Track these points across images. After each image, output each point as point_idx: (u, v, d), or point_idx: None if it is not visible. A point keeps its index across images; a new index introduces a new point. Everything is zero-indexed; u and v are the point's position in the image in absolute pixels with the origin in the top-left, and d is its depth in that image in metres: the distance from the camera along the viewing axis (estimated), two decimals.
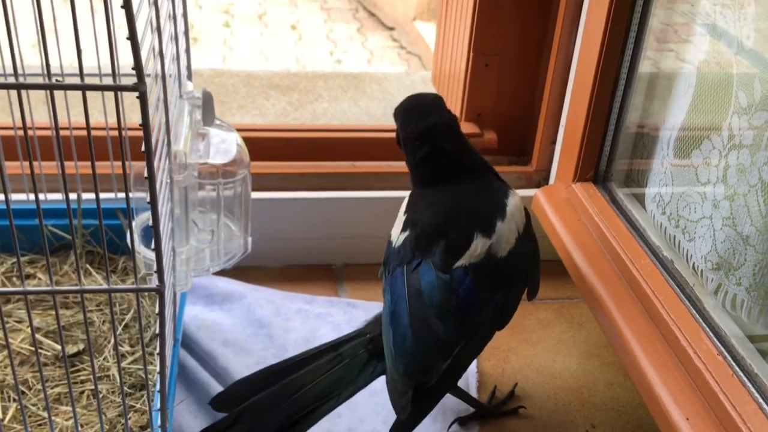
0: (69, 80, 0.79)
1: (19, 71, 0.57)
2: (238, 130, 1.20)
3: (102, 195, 0.61)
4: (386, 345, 0.79)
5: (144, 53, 0.56)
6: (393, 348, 0.77)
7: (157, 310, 0.64)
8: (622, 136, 1.02)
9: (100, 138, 1.00)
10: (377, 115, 1.48)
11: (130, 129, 0.82)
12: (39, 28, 0.54)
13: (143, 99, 0.55)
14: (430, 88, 1.60)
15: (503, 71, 1.21)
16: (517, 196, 0.86)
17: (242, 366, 0.96)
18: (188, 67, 0.90)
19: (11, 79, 0.59)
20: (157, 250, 0.62)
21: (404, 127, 0.88)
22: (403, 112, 0.89)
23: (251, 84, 1.54)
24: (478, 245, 0.80)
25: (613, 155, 1.03)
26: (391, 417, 0.91)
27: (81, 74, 0.55)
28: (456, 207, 0.84)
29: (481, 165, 0.89)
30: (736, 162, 0.78)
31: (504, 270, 0.81)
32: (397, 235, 0.84)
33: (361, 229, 1.17)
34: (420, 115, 0.87)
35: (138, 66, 0.55)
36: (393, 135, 0.94)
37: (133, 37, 0.54)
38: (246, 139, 1.19)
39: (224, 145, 0.80)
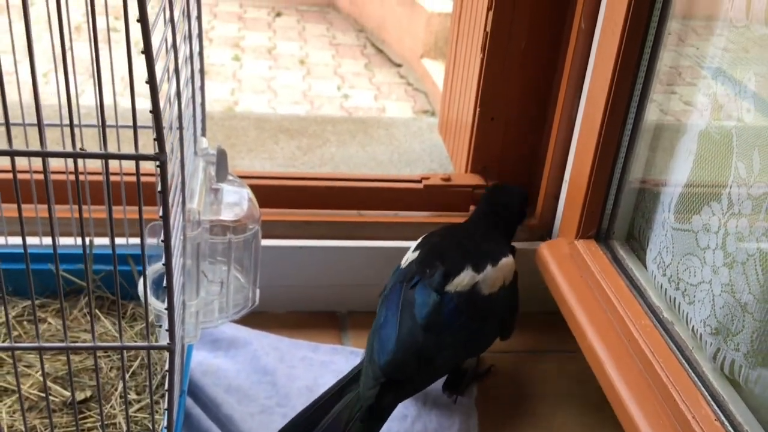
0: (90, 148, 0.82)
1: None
2: (247, 177, 1.23)
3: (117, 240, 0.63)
4: (368, 345, 0.92)
5: (165, 123, 0.58)
6: (376, 346, 0.90)
7: (165, 361, 0.66)
8: (625, 195, 1.04)
9: (114, 183, 1.03)
10: (384, 161, 1.50)
11: (143, 174, 0.85)
12: (67, 101, 0.56)
13: (163, 168, 0.57)
14: (436, 136, 1.63)
15: (509, 125, 1.23)
16: (511, 258, 1.03)
17: (246, 414, 0.97)
18: (203, 122, 0.92)
19: (36, 143, 0.61)
20: (170, 310, 0.64)
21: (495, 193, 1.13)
22: (498, 187, 1.17)
23: (261, 127, 1.57)
24: (467, 277, 0.96)
25: (615, 213, 1.05)
26: None
27: (104, 144, 0.57)
28: (461, 244, 1.01)
29: (509, 236, 1.10)
30: (735, 230, 0.79)
31: (483, 306, 0.96)
32: (408, 257, 1.01)
33: (366, 278, 1.18)
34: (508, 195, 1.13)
35: (159, 136, 0.57)
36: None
37: (156, 109, 0.56)
38: (254, 187, 1.21)
39: (236, 201, 0.82)
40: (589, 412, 1.06)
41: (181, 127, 0.72)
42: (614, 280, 0.99)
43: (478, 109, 1.23)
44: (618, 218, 1.05)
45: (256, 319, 1.14)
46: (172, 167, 0.65)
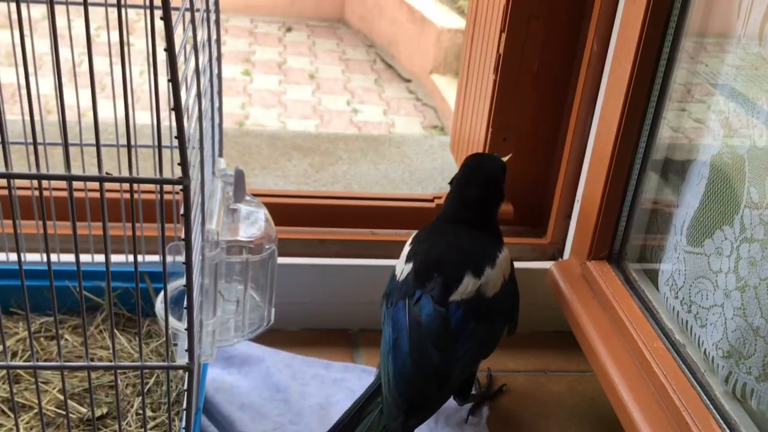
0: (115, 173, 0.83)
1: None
2: (261, 195, 1.24)
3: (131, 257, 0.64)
4: (384, 371, 0.90)
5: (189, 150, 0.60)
6: (392, 373, 0.88)
7: (180, 378, 0.67)
8: (637, 216, 1.05)
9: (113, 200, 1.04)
10: (395, 179, 1.52)
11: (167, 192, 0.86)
12: (94, 124, 0.57)
13: (186, 193, 0.59)
14: (448, 154, 1.64)
15: (520, 145, 1.24)
16: (506, 251, 1.02)
17: (259, 431, 0.98)
18: (220, 142, 0.93)
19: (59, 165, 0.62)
20: (190, 330, 0.65)
21: (468, 166, 1.06)
22: (473, 156, 1.09)
23: (274, 145, 1.59)
24: (469, 284, 0.94)
25: (627, 235, 1.06)
26: None
27: (129, 168, 0.58)
28: (454, 247, 0.99)
29: (493, 224, 1.05)
30: (748, 255, 0.80)
31: (490, 308, 0.95)
32: (401, 267, 0.98)
33: (378, 296, 1.18)
34: (483, 164, 1.06)
35: (184, 161, 0.58)
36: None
37: (181, 134, 0.57)
38: (268, 205, 1.22)
39: (253, 222, 0.83)
40: None
41: (202, 149, 0.73)
42: (626, 302, 0.99)
43: (490, 130, 1.24)
44: (630, 239, 1.06)
45: (269, 336, 1.15)
46: (193, 187, 0.66)
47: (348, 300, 1.20)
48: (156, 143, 0.60)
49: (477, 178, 1.03)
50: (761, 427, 0.80)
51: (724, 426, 0.80)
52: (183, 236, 0.61)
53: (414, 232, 1.24)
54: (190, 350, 0.65)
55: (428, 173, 1.55)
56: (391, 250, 1.22)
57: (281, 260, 1.16)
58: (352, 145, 1.64)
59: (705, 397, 0.84)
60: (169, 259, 0.84)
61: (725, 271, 0.83)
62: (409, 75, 4.21)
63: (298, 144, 1.61)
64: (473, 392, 1.09)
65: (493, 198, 1.03)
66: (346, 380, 1.11)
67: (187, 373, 0.69)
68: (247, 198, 0.85)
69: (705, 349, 0.87)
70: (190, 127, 0.67)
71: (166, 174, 0.61)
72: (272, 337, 1.16)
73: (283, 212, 1.21)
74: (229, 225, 0.82)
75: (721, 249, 0.84)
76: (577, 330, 1.04)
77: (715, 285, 0.85)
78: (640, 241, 1.05)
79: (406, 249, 1.01)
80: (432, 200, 1.26)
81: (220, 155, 0.94)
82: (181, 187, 0.59)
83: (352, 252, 1.21)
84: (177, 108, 0.56)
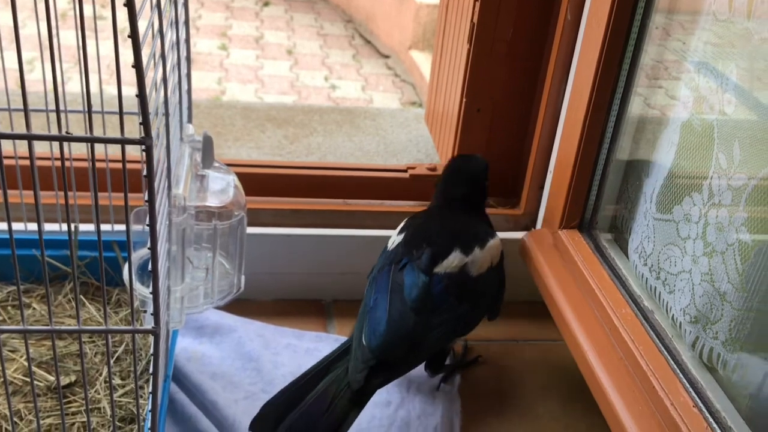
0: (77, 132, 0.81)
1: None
2: (234, 165, 1.23)
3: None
4: (357, 328, 0.91)
5: (151, 108, 0.59)
6: (366, 329, 0.90)
7: (149, 346, 0.66)
8: (608, 185, 1.05)
9: (99, 169, 1.03)
10: (370, 151, 1.51)
11: (129, 161, 0.85)
12: (53, 87, 0.56)
13: (149, 153, 0.58)
14: (423, 126, 1.64)
15: (494, 116, 1.24)
16: (498, 239, 1.02)
17: (230, 400, 0.98)
18: (189, 109, 0.92)
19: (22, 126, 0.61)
20: (155, 294, 0.64)
21: (457, 162, 1.10)
22: (460, 156, 1.17)
23: (248, 116, 1.57)
24: (455, 259, 0.95)
25: (599, 204, 1.06)
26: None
27: (90, 128, 0.57)
28: (447, 226, 1.01)
29: (483, 213, 1.08)
30: (715, 221, 0.81)
31: (472, 287, 0.96)
32: (393, 240, 1.01)
33: (351, 266, 1.19)
34: (466, 164, 1.10)
35: (145, 121, 0.57)
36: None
37: (141, 93, 0.56)
38: (241, 175, 1.21)
39: (222, 188, 0.82)
40: (571, 400, 1.08)
41: (167, 113, 0.72)
42: (597, 270, 1.00)
43: (464, 100, 1.23)
44: (601, 208, 1.06)
45: (241, 306, 1.15)
46: (158, 153, 0.65)
47: (321, 270, 1.20)
48: (119, 104, 0.59)
49: (460, 178, 1.06)
50: (727, 391, 0.81)
51: (691, 390, 0.81)
52: (146, 198, 0.60)
53: (387, 203, 1.25)
54: (156, 314, 0.65)
55: (403, 145, 1.54)
56: (365, 220, 1.22)
57: (254, 230, 1.16)
58: (327, 117, 1.63)
59: (672, 363, 0.85)
60: (138, 226, 0.83)
61: (693, 238, 0.84)
62: (388, 51, 4.18)
63: (272, 116, 1.60)
64: (448, 362, 1.10)
65: (476, 196, 1.06)
66: (319, 350, 1.11)
67: (153, 338, 0.68)
68: (216, 164, 0.84)
69: (673, 315, 0.88)
70: (154, 89, 0.66)
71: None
72: (245, 307, 1.15)
73: (256, 182, 1.20)
74: (197, 191, 0.81)
75: (690, 215, 0.85)
76: (548, 299, 1.04)
77: (683, 251, 0.86)
78: (611, 210, 1.06)
79: (401, 224, 1.04)
80: (406, 171, 1.26)
81: (189, 121, 0.93)
82: (143, 147, 0.58)
83: (326, 222, 1.20)
84: (137, 65, 0.55)
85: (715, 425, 0.77)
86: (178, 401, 0.96)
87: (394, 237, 1.01)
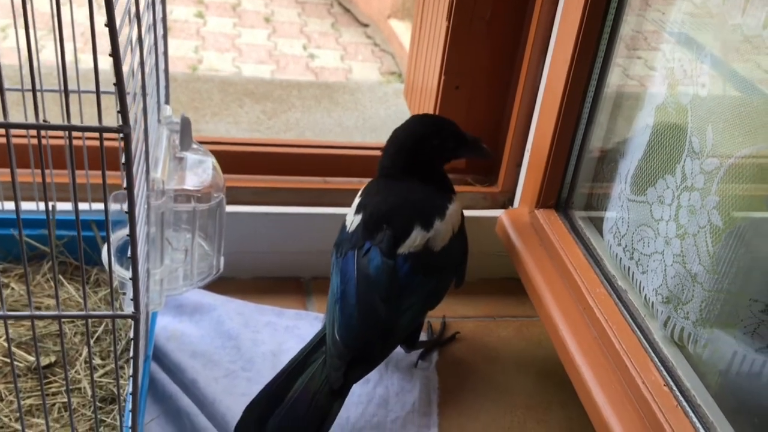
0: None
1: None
2: (212, 143, 1.23)
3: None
4: (329, 322, 0.91)
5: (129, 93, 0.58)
6: (339, 324, 0.89)
7: (129, 327, 0.67)
8: (585, 165, 1.06)
9: (77, 147, 1.02)
10: (349, 127, 1.51)
11: (107, 139, 0.84)
12: (29, 69, 0.56)
13: (127, 141, 0.58)
14: (402, 101, 1.64)
15: (473, 93, 1.24)
16: (457, 203, 1.01)
17: (210, 378, 0.99)
18: (167, 88, 0.92)
19: None
20: (135, 280, 0.64)
21: (415, 124, 1.06)
22: (419, 116, 1.10)
23: (226, 91, 1.56)
24: (418, 237, 0.94)
25: (575, 183, 1.08)
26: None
27: (67, 116, 0.57)
28: (404, 199, 0.98)
29: (440, 174, 1.05)
30: (688, 203, 0.82)
31: (438, 261, 0.95)
32: (351, 219, 0.98)
33: (330, 245, 1.19)
34: (432, 121, 1.08)
35: (123, 109, 0.57)
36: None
37: (119, 81, 0.56)
38: (220, 153, 1.21)
39: (200, 170, 0.82)
40: (545, 377, 1.10)
41: (144, 96, 0.72)
42: (572, 249, 1.01)
43: (442, 77, 1.23)
44: (577, 188, 1.07)
45: (221, 285, 1.15)
46: (136, 136, 0.65)
47: (300, 248, 1.20)
48: (96, 94, 0.59)
49: (401, 145, 1.03)
50: (697, 369, 0.83)
51: (662, 369, 0.83)
52: (125, 185, 0.60)
53: (366, 182, 1.25)
54: (136, 300, 0.65)
55: (382, 121, 1.54)
56: (344, 198, 1.22)
57: (233, 209, 1.16)
58: (306, 92, 1.62)
59: (644, 341, 0.87)
60: (116, 207, 0.83)
61: (666, 219, 0.86)
62: (367, 19, 4.15)
63: (250, 90, 1.59)
64: (425, 338, 1.12)
65: (426, 159, 1.01)
66: (298, 327, 1.12)
67: (134, 322, 0.68)
68: (194, 146, 0.84)
69: (645, 295, 0.90)
70: (131, 72, 0.66)
71: (110, 122, 0.60)
72: (224, 285, 1.16)
73: (234, 160, 1.20)
74: (175, 173, 0.81)
75: (663, 197, 0.86)
76: (524, 277, 1.06)
77: (656, 233, 0.88)
78: (588, 190, 1.07)
79: (357, 200, 1.01)
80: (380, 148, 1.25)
81: (167, 102, 0.93)
82: (121, 135, 0.58)
83: (305, 200, 1.21)
84: (114, 54, 0.54)
85: (684, 403, 0.79)
86: (158, 380, 0.96)
87: (352, 215, 0.99)
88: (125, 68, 0.58)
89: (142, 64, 0.69)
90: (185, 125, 0.82)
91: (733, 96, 0.78)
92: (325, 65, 3.64)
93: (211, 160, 0.83)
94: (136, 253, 0.63)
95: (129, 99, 0.59)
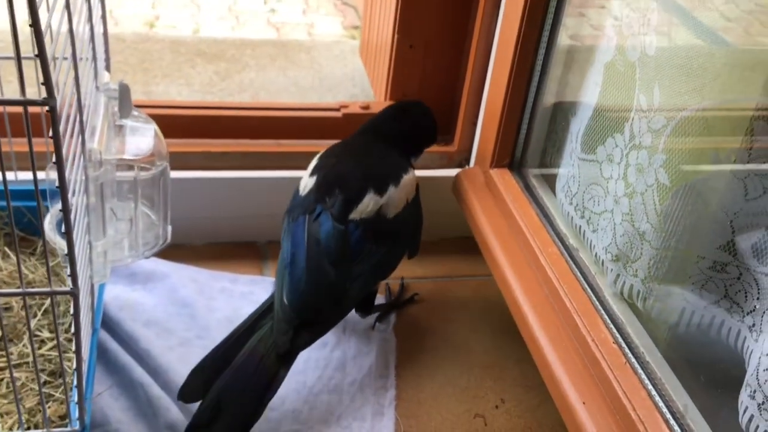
0: None
1: None
2: (161, 107, 1.20)
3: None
4: (278, 286, 0.90)
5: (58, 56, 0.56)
6: (287, 289, 0.88)
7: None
8: (538, 123, 1.06)
9: (15, 115, 0.99)
10: (305, 87, 1.48)
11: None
12: None
13: (54, 114, 0.56)
14: (357, 59, 1.61)
15: (427, 52, 1.22)
16: (413, 173, 1.01)
17: (164, 347, 0.98)
18: (106, 53, 0.89)
19: None
20: (70, 255, 0.63)
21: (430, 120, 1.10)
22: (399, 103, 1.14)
23: (177, 51, 1.52)
24: (371, 202, 0.93)
25: (528, 142, 1.07)
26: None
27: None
28: (359, 163, 0.98)
29: (401, 146, 1.05)
30: (636, 162, 0.82)
31: (390, 229, 0.95)
32: (305, 182, 0.97)
33: (284, 208, 1.18)
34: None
35: (47, 81, 0.55)
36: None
37: (41, 52, 0.54)
38: (169, 117, 1.18)
39: (141, 138, 0.80)
40: (500, 335, 1.10)
41: (76, 63, 0.69)
42: (525, 209, 1.01)
43: (396, 36, 1.21)
44: (531, 147, 1.07)
45: (174, 251, 1.13)
46: (67, 102, 0.63)
47: (255, 212, 1.19)
48: (16, 57, 0.56)
49: (403, 121, 1.07)
50: (647, 326, 0.84)
51: (612, 327, 0.84)
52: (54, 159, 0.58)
53: (321, 144, 1.23)
54: (73, 275, 0.64)
55: (338, 80, 1.52)
56: (298, 161, 1.21)
57: (184, 174, 1.14)
58: (260, 51, 1.59)
59: (595, 299, 0.87)
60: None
61: (615, 178, 0.85)
62: None
63: (202, 50, 1.55)
64: (384, 301, 1.11)
65: (408, 139, 1.06)
66: (254, 293, 1.11)
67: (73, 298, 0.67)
68: (135, 113, 0.81)
69: (596, 253, 0.90)
70: (59, 38, 0.63)
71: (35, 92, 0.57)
72: (178, 252, 1.14)
73: (185, 124, 1.18)
74: (115, 142, 0.79)
75: (612, 156, 0.86)
76: (479, 237, 1.06)
77: (605, 191, 0.88)
78: (540, 149, 1.06)
79: (313, 163, 1.00)
80: (338, 109, 1.24)
81: (107, 68, 0.90)
82: (47, 108, 0.56)
83: (258, 164, 1.19)
84: (34, 22, 0.52)
85: (633, 360, 0.80)
86: (111, 351, 0.95)
87: (306, 179, 0.97)
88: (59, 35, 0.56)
89: (71, 30, 0.66)
90: (124, 92, 0.79)
91: (679, 52, 0.78)
92: (287, 20, 3.56)
93: (152, 127, 0.81)
94: (70, 228, 0.61)
95: (62, 66, 0.57)
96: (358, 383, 1.00)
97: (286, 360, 0.87)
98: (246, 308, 1.08)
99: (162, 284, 1.08)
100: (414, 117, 1.09)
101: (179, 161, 1.14)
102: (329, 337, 1.05)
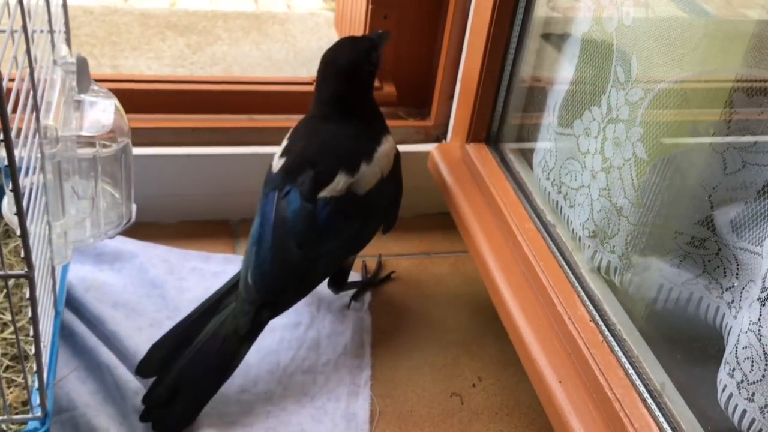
0: None
1: None
2: (129, 81, 1.16)
3: None
4: (244, 265, 0.88)
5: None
6: (252, 268, 0.87)
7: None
8: (514, 97, 1.04)
9: None
10: (279, 60, 1.44)
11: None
12: None
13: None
14: (332, 31, 1.57)
15: (402, 23, 1.19)
16: (389, 143, 0.95)
17: (133, 329, 0.95)
18: (66, 24, 0.85)
19: None
20: (24, 238, 0.60)
21: (321, 61, 0.96)
22: (333, 45, 0.98)
23: (146, 23, 1.48)
24: (341, 181, 0.89)
25: (505, 116, 1.05)
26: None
27: None
28: (330, 142, 0.93)
29: (372, 110, 0.97)
30: (613, 135, 0.80)
31: (361, 205, 0.91)
32: (277, 160, 0.94)
33: (258, 185, 1.14)
34: (336, 55, 0.96)
35: None
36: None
37: None
38: (137, 92, 1.15)
39: (101, 113, 0.77)
40: (478, 312, 1.09)
41: (27, 36, 0.66)
42: (502, 184, 0.99)
43: (370, 6, 1.18)
44: (507, 121, 1.05)
45: (145, 230, 1.10)
46: (17, 80, 0.60)
47: (227, 190, 1.16)
48: None
49: (331, 74, 0.94)
50: (624, 303, 0.82)
51: (589, 304, 0.83)
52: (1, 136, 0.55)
53: (295, 119, 1.20)
54: (27, 258, 0.61)
55: (313, 53, 1.48)
56: (271, 136, 1.18)
57: (154, 151, 1.11)
58: (233, 23, 1.55)
59: (572, 276, 0.86)
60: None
61: (592, 152, 0.83)
62: None
63: (173, 23, 1.51)
64: (360, 279, 1.09)
65: (354, 89, 0.94)
66: (226, 272, 1.08)
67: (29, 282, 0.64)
68: (94, 88, 0.78)
69: (573, 229, 0.88)
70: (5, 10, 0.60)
71: None
72: (148, 230, 1.11)
73: (155, 99, 1.14)
74: (73, 118, 0.76)
75: (589, 130, 0.84)
76: (455, 213, 1.04)
77: (582, 166, 0.86)
78: (517, 123, 1.04)
79: (284, 142, 0.97)
80: (312, 84, 1.20)
81: (68, 42, 0.86)
82: None
83: (230, 140, 1.16)
84: None
85: (610, 338, 0.79)
86: (77, 333, 0.93)
87: (278, 157, 0.94)
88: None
89: (20, 1, 0.63)
90: (82, 65, 0.76)
91: (657, 24, 0.75)
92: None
93: (113, 102, 0.78)
94: (21, 209, 0.58)
95: (11, 39, 0.54)
96: (332, 363, 0.98)
97: (246, 339, 0.86)
98: (218, 288, 1.05)
99: (130, 264, 1.05)
100: (342, 65, 0.94)
101: (149, 137, 1.11)
102: (303, 317, 1.03)
